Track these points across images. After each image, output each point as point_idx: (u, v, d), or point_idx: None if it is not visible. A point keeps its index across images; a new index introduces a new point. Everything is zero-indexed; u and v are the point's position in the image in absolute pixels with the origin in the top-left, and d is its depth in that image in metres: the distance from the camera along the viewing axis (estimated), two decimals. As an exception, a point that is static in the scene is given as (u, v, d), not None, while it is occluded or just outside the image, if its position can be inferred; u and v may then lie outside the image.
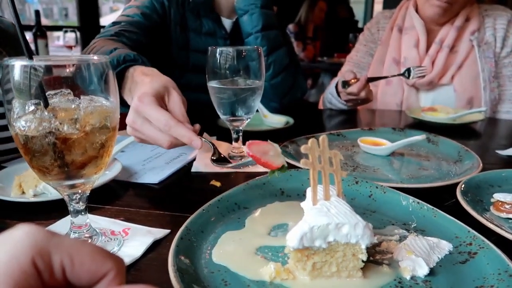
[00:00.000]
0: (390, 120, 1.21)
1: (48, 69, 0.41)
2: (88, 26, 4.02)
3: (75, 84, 0.45)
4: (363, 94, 1.18)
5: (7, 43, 0.87)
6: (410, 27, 1.38)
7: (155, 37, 1.13)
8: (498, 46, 1.32)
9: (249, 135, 0.87)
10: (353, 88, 1.17)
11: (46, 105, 0.43)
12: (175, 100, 0.64)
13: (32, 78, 0.42)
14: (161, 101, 0.63)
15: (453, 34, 1.31)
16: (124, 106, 0.67)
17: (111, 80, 0.46)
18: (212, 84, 0.75)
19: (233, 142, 0.81)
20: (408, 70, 1.22)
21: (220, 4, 1.22)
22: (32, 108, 0.43)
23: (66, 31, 2.79)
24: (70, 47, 2.58)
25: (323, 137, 0.42)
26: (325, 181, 0.42)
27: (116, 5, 10.74)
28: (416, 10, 1.37)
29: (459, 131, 1.04)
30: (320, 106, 1.42)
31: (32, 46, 2.38)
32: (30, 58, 0.41)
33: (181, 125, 0.59)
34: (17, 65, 0.39)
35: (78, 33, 3.55)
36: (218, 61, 0.75)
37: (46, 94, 0.44)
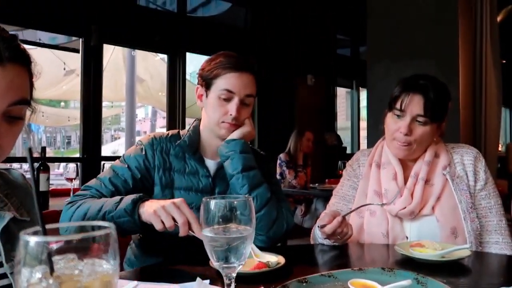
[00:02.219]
0: (379, 256, 1.23)
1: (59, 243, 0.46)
2: (89, 157, 4.22)
3: (80, 250, 0.50)
4: (339, 230, 1.24)
5: (14, 195, 0.92)
6: (387, 162, 1.49)
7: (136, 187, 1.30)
8: (471, 180, 1.42)
9: (242, 278, 0.89)
10: (324, 230, 1.24)
11: (52, 272, 0.47)
12: None
13: (44, 249, 0.47)
14: None
15: (425, 168, 1.42)
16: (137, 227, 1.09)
17: (114, 246, 0.51)
18: (206, 233, 0.80)
19: (225, 288, 0.82)
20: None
21: (204, 146, 1.38)
22: (38, 275, 0.47)
23: (67, 163, 2.92)
24: (70, 180, 2.68)
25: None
26: None
27: (118, 134, 11.37)
28: None
29: (448, 269, 1.06)
30: (311, 240, 1.44)
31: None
32: (45, 234, 0.46)
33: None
34: (32, 240, 0.45)
35: (79, 164, 3.71)
36: (212, 210, 0.80)
37: (52, 258, 0.48)
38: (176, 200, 1.03)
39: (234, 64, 1.29)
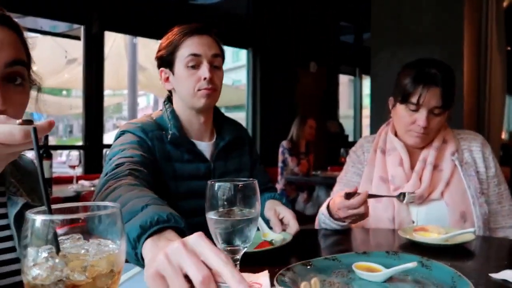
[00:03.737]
0: (383, 240, 1.24)
1: (65, 221, 0.46)
2: (91, 144, 4.23)
3: (86, 229, 0.50)
4: (362, 209, 1.20)
5: (25, 181, 0.92)
6: (392, 149, 1.48)
7: (154, 173, 1.15)
8: (481, 167, 1.42)
9: (247, 257, 0.88)
10: (353, 201, 1.20)
11: (58, 251, 0.47)
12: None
13: (50, 228, 0.46)
14: None
15: (433, 153, 1.42)
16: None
17: (120, 225, 0.50)
18: (210, 216, 0.80)
19: (230, 271, 0.82)
20: (403, 194, 1.33)
21: (189, 131, 1.30)
22: (45, 254, 0.47)
23: (70, 150, 2.93)
24: (73, 167, 2.68)
25: (314, 280, 0.45)
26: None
27: (120, 122, 11.36)
28: (395, 134, 1.49)
29: (452, 252, 1.06)
30: (316, 226, 1.45)
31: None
32: (50, 213, 0.46)
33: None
34: (38, 219, 0.44)
35: (81, 152, 3.71)
36: (216, 193, 0.80)
37: (58, 238, 0.48)
38: (191, 238, 0.56)
39: (192, 29, 1.24)
